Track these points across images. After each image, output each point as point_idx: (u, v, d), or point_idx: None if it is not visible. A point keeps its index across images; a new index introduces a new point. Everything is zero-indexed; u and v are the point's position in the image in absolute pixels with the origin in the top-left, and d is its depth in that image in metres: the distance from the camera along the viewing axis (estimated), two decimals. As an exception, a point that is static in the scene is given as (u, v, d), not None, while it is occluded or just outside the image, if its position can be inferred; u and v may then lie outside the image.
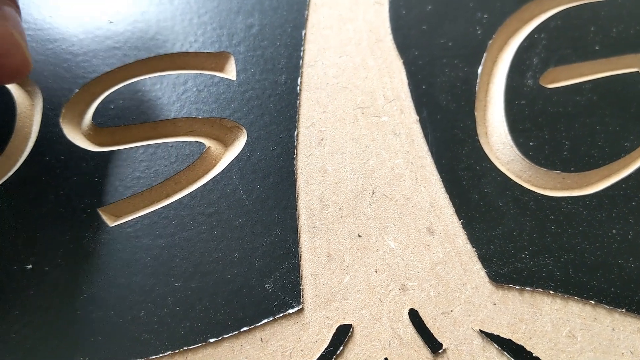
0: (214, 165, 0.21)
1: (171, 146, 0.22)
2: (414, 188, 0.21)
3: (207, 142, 0.22)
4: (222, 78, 0.23)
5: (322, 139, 0.22)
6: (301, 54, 0.23)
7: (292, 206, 0.20)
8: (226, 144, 0.22)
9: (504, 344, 0.18)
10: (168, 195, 0.21)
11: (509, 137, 0.21)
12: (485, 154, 0.21)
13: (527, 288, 0.19)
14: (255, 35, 0.24)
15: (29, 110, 0.22)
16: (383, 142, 0.22)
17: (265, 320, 0.19)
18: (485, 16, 0.24)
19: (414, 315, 0.19)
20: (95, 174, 0.21)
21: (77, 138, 0.22)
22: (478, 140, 0.21)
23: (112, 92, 0.23)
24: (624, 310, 0.18)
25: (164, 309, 0.19)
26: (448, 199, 0.20)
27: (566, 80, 0.23)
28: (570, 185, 0.21)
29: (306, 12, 0.24)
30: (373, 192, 0.21)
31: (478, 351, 0.18)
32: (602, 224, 0.20)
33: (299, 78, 0.23)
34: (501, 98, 0.22)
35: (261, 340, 0.18)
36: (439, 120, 0.22)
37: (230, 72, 0.23)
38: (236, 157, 0.21)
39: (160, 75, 0.23)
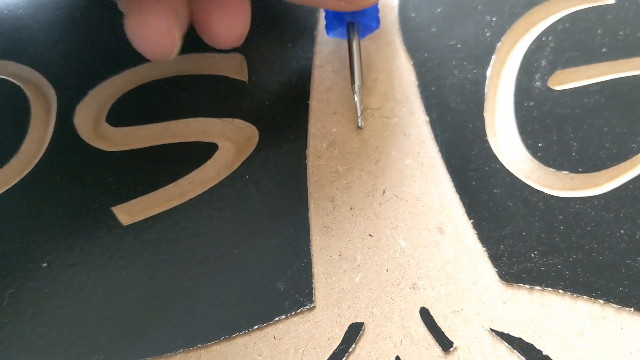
0: (227, 166, 0.22)
1: (184, 147, 0.22)
2: (424, 188, 0.21)
3: (220, 142, 0.22)
4: (234, 79, 0.23)
5: (332, 140, 0.22)
6: (312, 55, 0.24)
7: (303, 206, 0.21)
8: (238, 144, 0.22)
9: (514, 343, 0.18)
10: (181, 195, 0.21)
11: (517, 138, 0.22)
12: (495, 155, 0.21)
13: (537, 287, 0.19)
14: (267, 37, 0.24)
15: (43, 111, 0.23)
16: (393, 142, 0.22)
17: (278, 318, 0.19)
18: (494, 19, 0.24)
19: (425, 314, 0.19)
20: (109, 174, 0.21)
21: (91, 138, 0.22)
22: (487, 141, 0.22)
23: (126, 93, 0.23)
24: (632, 309, 0.18)
25: (177, 306, 0.19)
26: (458, 199, 0.21)
27: (574, 82, 0.23)
28: (579, 186, 0.21)
29: (317, 14, 0.25)
30: (384, 192, 0.21)
31: (488, 349, 0.18)
32: (610, 223, 0.20)
33: (310, 79, 0.23)
34: (510, 100, 0.22)
35: (274, 337, 0.19)
36: (448, 121, 0.22)
37: (243, 73, 0.23)
38: (248, 158, 0.22)
39: (173, 77, 0.23)
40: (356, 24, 0.22)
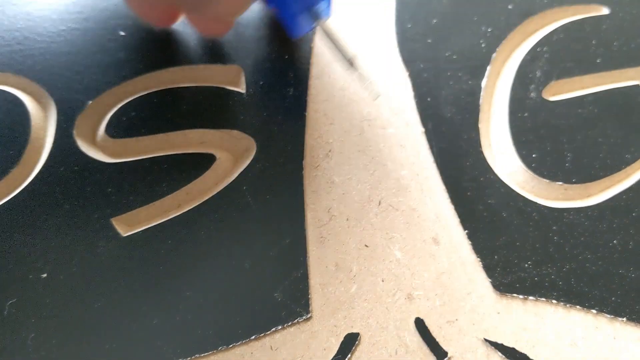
0: (225, 176, 0.22)
1: (183, 157, 0.22)
2: (420, 199, 0.21)
3: (217, 153, 0.22)
4: (232, 91, 0.24)
5: (329, 151, 0.22)
6: (309, 66, 0.24)
7: (300, 217, 0.21)
8: (236, 155, 0.22)
9: (508, 352, 0.18)
10: (180, 206, 0.21)
11: (512, 149, 0.22)
12: (489, 166, 0.22)
13: (530, 297, 0.19)
14: (264, 48, 0.24)
15: (43, 122, 0.23)
16: (389, 153, 0.22)
17: (275, 329, 0.19)
18: (489, 30, 0.24)
19: (420, 324, 0.19)
20: (108, 185, 0.22)
21: (90, 149, 0.22)
22: (482, 152, 0.22)
23: (124, 104, 0.23)
24: (624, 319, 0.19)
25: (175, 316, 0.19)
26: (453, 209, 0.21)
27: (568, 93, 0.23)
28: (573, 197, 0.21)
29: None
30: (379, 203, 0.21)
31: (482, 359, 0.18)
32: (604, 234, 0.20)
33: (307, 90, 0.23)
34: (505, 110, 0.23)
35: (271, 348, 0.19)
36: (444, 132, 0.22)
37: (240, 85, 0.24)
38: (246, 168, 0.22)
39: (171, 88, 0.23)
40: (313, 9, 0.21)
